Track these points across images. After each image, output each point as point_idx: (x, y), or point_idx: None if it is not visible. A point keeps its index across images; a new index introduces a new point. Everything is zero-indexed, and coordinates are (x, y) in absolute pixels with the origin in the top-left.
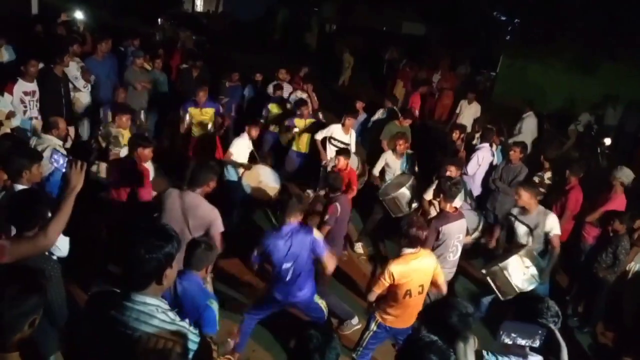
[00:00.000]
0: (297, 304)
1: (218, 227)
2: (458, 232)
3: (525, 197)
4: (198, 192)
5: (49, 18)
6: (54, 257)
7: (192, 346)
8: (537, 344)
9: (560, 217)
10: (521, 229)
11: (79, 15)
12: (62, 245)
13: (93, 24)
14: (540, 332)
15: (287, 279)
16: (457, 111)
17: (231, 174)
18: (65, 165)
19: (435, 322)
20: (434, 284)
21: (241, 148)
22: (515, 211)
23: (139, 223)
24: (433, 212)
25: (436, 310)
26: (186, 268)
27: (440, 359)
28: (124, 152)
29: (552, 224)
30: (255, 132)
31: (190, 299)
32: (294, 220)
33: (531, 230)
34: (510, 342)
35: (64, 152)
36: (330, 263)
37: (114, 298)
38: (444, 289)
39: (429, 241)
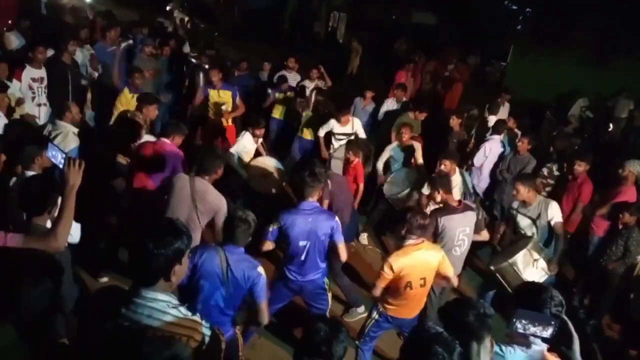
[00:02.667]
0: (307, 288)
1: (223, 215)
2: (462, 225)
3: (523, 191)
4: (207, 179)
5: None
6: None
7: (205, 339)
8: (548, 333)
9: (572, 210)
10: (524, 222)
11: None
12: (73, 232)
13: (102, 11)
14: (553, 322)
15: (302, 257)
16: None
17: (236, 165)
18: (62, 162)
19: (452, 320)
20: (443, 277)
21: (247, 144)
22: (515, 204)
23: (149, 218)
24: (431, 207)
25: (453, 308)
26: (229, 243)
27: (445, 351)
28: (145, 137)
29: (554, 212)
30: (259, 133)
31: (243, 269)
32: (313, 199)
33: (534, 221)
34: (522, 330)
35: (77, 139)
36: (343, 252)
37: (123, 295)
38: (455, 281)
39: (427, 230)
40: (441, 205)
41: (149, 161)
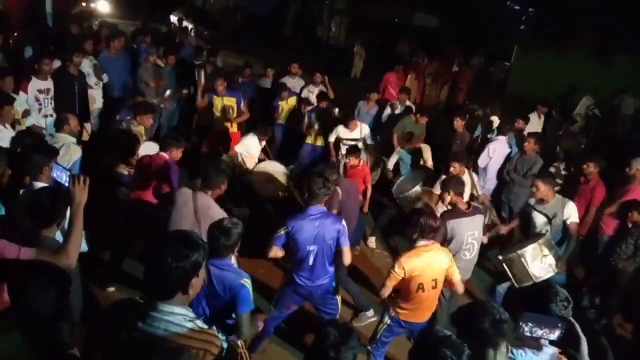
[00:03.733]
0: (316, 293)
1: None
2: (471, 229)
3: (543, 188)
4: (210, 194)
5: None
6: None
7: (223, 353)
8: (555, 336)
9: (585, 213)
10: (539, 219)
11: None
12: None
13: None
14: (560, 324)
15: (310, 262)
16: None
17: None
18: (67, 180)
19: (466, 326)
20: (448, 282)
21: (251, 145)
22: (532, 201)
23: (165, 231)
24: (440, 207)
25: (467, 313)
26: (213, 255)
27: (454, 354)
28: (142, 149)
29: (571, 212)
30: (264, 140)
31: (223, 280)
32: (320, 205)
33: (549, 220)
34: (529, 333)
35: (79, 149)
36: (348, 256)
37: (138, 308)
38: (460, 288)
39: (439, 233)
40: (450, 207)
41: (146, 174)
